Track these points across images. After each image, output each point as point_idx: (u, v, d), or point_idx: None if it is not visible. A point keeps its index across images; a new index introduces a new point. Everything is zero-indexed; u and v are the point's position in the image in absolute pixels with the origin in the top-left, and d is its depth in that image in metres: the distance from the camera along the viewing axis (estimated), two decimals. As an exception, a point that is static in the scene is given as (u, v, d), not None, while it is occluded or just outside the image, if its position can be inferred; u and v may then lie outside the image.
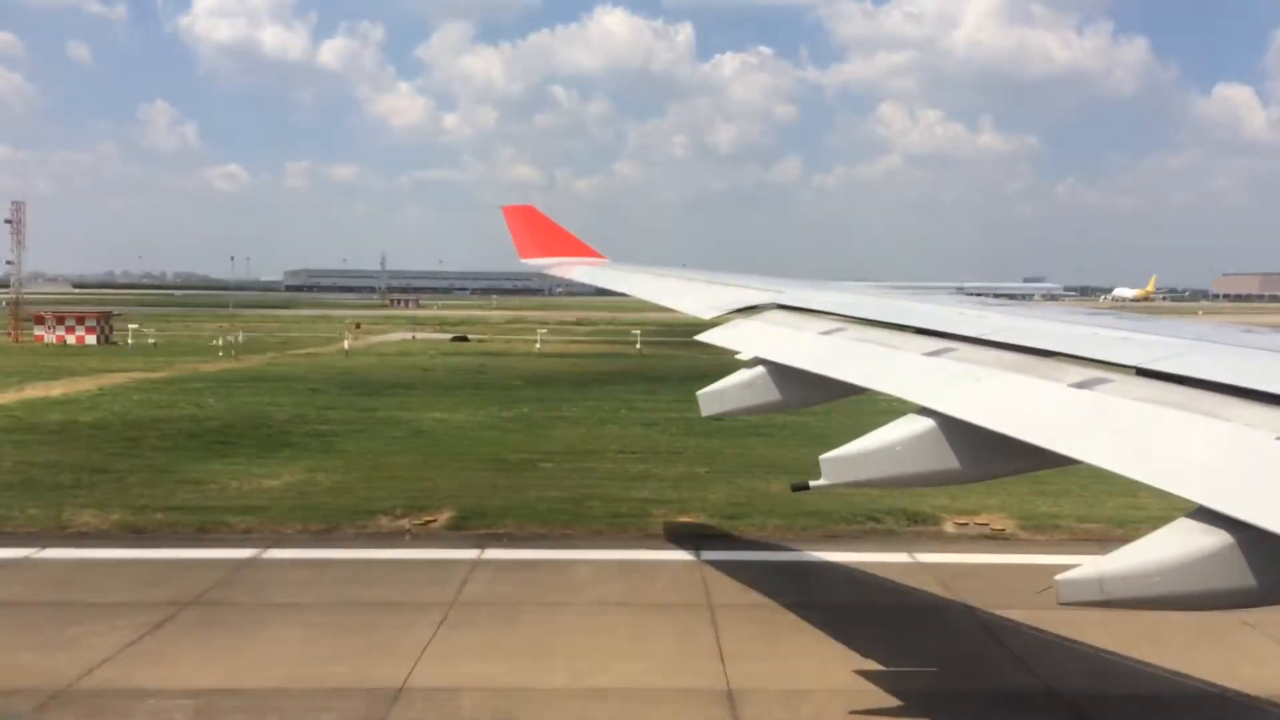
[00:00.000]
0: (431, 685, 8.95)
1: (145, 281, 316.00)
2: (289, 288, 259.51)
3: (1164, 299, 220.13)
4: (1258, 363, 4.93)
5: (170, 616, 10.65)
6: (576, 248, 16.67)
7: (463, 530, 14.20)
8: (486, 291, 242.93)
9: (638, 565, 12.82)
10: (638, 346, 53.19)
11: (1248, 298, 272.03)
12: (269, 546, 13.34)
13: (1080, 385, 4.94)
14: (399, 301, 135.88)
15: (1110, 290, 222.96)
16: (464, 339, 58.91)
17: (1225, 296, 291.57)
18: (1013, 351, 5.80)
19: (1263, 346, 5.20)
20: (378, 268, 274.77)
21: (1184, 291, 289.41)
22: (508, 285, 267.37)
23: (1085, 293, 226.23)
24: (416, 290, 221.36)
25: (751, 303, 9.53)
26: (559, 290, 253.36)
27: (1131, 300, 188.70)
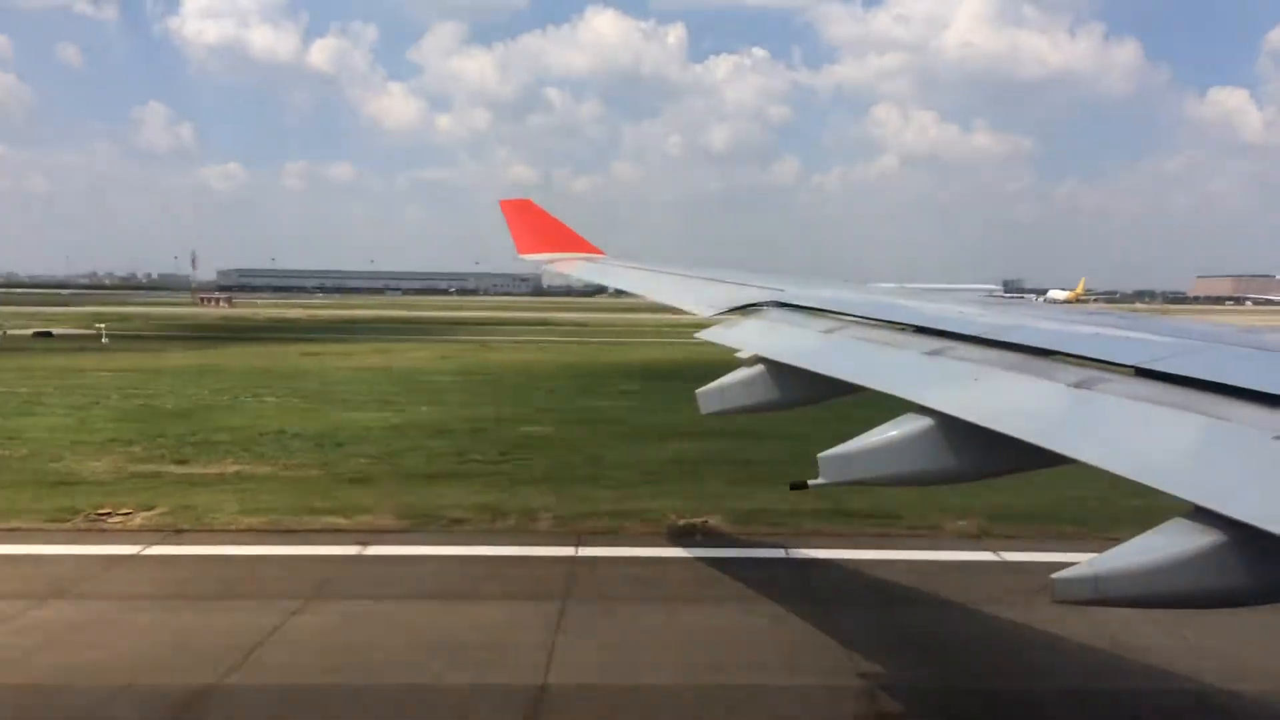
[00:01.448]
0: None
1: (107, 281, 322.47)
2: (221, 287, 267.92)
3: (1095, 300, 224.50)
4: (1257, 363, 4.97)
5: None
6: (575, 243, 16.63)
7: None
8: (421, 291, 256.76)
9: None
10: (103, 340, 55.60)
11: (1195, 299, 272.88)
12: None
13: (1079, 385, 4.97)
14: (209, 300, 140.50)
15: (1045, 291, 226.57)
16: (47, 334, 60.44)
17: (1164, 297, 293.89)
18: (1012, 351, 5.83)
19: (1263, 346, 5.24)
20: (317, 267, 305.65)
21: (1115, 293, 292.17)
22: (443, 285, 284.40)
23: (1040, 294, 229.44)
24: (354, 290, 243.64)
25: (751, 300, 9.54)
26: (496, 290, 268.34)
27: (1063, 302, 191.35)
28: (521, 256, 17.12)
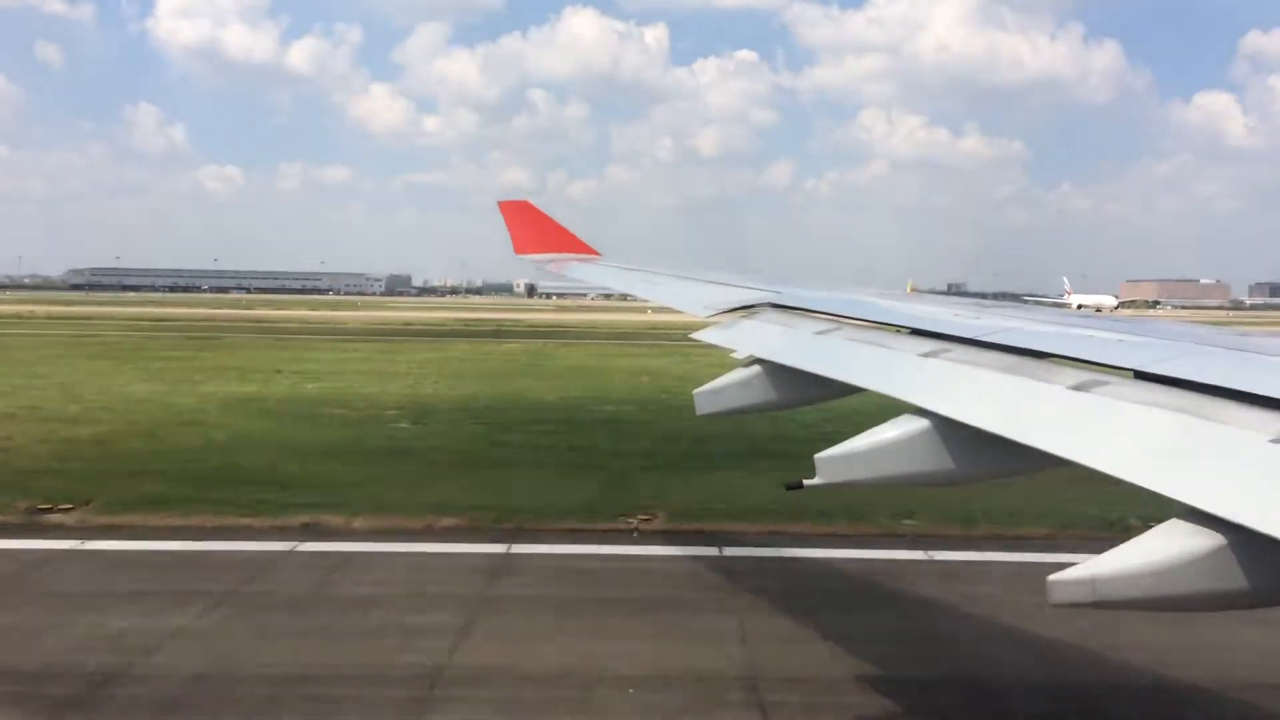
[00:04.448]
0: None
1: (27, 282, 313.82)
2: (72, 286, 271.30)
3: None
4: (1255, 367, 4.95)
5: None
6: (572, 244, 16.65)
7: None
8: (273, 291, 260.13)
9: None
10: None
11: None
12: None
13: (1077, 388, 4.94)
14: None
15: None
16: None
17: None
18: (1009, 353, 5.80)
19: (1260, 350, 5.23)
20: (163, 266, 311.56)
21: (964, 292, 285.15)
22: (295, 285, 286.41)
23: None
24: (199, 289, 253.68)
25: (748, 302, 9.52)
26: (350, 291, 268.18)
27: None
28: (519, 256, 17.13)
